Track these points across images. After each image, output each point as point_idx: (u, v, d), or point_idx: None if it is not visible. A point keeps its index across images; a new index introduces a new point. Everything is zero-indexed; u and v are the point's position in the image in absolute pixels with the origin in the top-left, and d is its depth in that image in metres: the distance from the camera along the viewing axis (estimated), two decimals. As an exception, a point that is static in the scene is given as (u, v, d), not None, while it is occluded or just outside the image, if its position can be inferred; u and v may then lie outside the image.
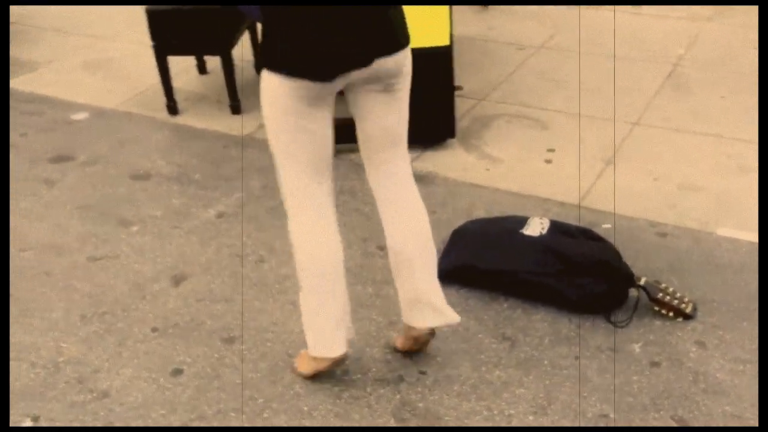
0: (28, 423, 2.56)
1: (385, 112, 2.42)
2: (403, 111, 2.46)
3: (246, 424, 2.52)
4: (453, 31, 3.76)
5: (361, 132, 2.48)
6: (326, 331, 2.56)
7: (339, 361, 2.62)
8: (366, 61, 2.26)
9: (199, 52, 4.69)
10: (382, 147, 2.48)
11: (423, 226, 2.57)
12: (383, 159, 2.50)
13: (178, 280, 3.18)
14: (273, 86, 2.27)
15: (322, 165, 2.42)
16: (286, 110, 2.29)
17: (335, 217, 2.53)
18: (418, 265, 2.57)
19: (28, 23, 5.88)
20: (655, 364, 2.68)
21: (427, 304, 2.61)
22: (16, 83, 4.95)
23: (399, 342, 2.79)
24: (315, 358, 2.62)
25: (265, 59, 2.27)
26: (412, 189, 2.57)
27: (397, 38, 2.32)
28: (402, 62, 2.35)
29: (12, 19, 5.88)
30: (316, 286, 2.51)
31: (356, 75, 2.29)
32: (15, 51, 5.41)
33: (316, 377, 2.67)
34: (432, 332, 2.71)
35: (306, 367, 2.68)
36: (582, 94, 4.49)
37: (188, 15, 4.22)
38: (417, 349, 2.76)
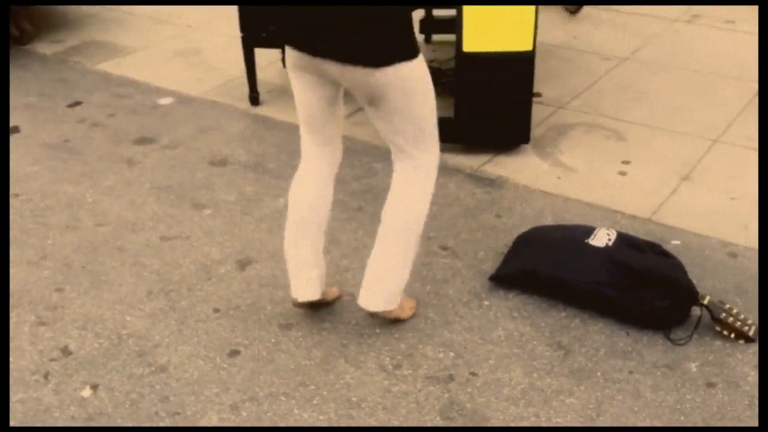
0: (87, 391, 2.67)
1: (376, 119, 2.61)
2: (395, 123, 2.57)
3: (296, 410, 2.57)
4: (537, 37, 3.74)
5: None
6: (292, 273, 2.87)
7: (304, 305, 2.94)
8: (313, 52, 2.45)
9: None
10: (386, 141, 2.69)
11: (401, 219, 2.72)
12: (391, 150, 2.71)
13: (243, 265, 3.26)
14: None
15: (315, 129, 2.71)
16: (289, 70, 2.62)
17: (330, 177, 2.81)
18: (381, 247, 2.75)
19: (125, 11, 6.09)
20: (710, 385, 2.63)
21: (373, 286, 2.80)
22: (108, 66, 5.14)
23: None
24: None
25: None
26: (409, 186, 2.70)
27: (363, 52, 2.40)
28: (376, 83, 2.44)
29: (109, 7, 6.11)
30: (290, 228, 2.82)
31: (331, 71, 2.48)
32: (110, 36, 5.62)
33: (364, 370, 2.71)
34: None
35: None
36: (664, 108, 4.42)
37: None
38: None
